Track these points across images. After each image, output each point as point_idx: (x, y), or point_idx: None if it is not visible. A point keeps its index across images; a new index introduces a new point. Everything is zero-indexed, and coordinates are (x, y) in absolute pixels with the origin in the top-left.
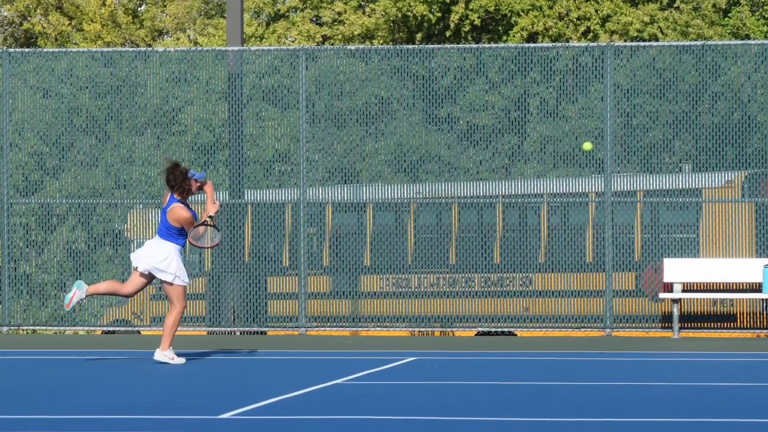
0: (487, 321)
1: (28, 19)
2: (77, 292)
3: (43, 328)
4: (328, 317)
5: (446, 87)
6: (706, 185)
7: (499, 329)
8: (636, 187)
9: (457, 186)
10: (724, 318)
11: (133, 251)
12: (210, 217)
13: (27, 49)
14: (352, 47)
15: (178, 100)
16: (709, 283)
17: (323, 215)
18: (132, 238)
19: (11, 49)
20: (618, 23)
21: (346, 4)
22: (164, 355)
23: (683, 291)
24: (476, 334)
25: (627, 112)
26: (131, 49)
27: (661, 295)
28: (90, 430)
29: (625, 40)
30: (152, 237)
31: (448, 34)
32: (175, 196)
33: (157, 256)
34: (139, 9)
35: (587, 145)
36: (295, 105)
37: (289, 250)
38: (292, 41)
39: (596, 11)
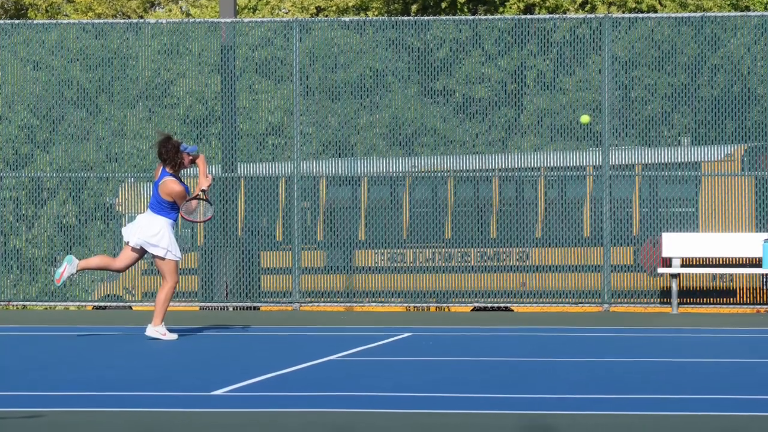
0: (483, 296)
1: None
2: (68, 266)
3: (34, 303)
4: (322, 292)
5: (442, 59)
6: (706, 159)
7: (496, 304)
8: (634, 161)
9: (453, 159)
10: (724, 293)
11: (125, 225)
12: (202, 191)
13: (17, 21)
14: (347, 19)
15: (170, 73)
16: (709, 258)
17: (317, 189)
18: (123, 212)
19: (1, 21)
20: None
21: None
22: (156, 330)
23: (682, 266)
24: (472, 310)
25: (625, 85)
26: (123, 20)
27: (660, 270)
28: (81, 406)
29: (624, 12)
30: (144, 211)
31: (443, 5)
32: (167, 169)
33: (149, 231)
34: None
35: (585, 118)
36: (288, 77)
37: (283, 225)
38: (286, 13)
39: None
